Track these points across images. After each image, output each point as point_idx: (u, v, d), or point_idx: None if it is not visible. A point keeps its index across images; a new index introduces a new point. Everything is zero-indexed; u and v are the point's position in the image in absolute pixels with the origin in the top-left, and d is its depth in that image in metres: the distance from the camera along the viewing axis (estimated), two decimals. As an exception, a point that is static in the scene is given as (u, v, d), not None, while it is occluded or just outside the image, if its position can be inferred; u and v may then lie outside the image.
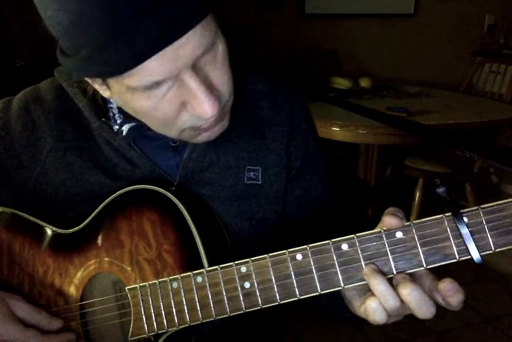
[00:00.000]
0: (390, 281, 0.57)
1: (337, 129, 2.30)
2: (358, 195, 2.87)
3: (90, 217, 0.73)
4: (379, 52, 3.75)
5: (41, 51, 3.08)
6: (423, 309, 0.55)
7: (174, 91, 0.61)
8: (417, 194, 2.71)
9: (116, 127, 0.75)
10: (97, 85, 0.66)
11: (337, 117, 2.40)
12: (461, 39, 3.92)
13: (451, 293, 0.54)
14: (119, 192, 0.71)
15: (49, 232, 0.75)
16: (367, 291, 0.60)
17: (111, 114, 0.76)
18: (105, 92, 0.67)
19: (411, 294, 0.54)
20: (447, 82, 3.73)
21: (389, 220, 0.57)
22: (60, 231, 0.74)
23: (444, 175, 2.69)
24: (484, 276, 2.57)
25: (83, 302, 0.72)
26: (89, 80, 0.67)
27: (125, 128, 0.74)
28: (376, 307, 0.56)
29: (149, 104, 0.62)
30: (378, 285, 0.56)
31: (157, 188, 0.70)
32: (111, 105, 0.76)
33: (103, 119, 0.74)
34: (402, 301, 0.55)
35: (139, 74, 0.57)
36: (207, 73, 0.62)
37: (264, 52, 3.15)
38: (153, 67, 0.56)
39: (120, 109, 0.75)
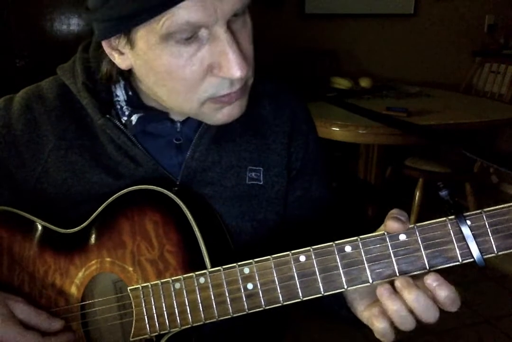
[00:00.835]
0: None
1: (337, 129, 2.30)
2: (358, 195, 2.87)
3: (92, 217, 0.72)
4: (379, 52, 3.75)
5: (41, 51, 3.09)
6: (427, 314, 0.55)
7: (206, 49, 0.61)
8: (417, 194, 2.71)
9: (125, 118, 0.75)
10: (117, 53, 0.66)
11: (337, 117, 2.40)
12: (461, 39, 3.92)
13: (435, 285, 0.54)
14: (121, 191, 0.71)
15: (50, 231, 0.74)
16: (369, 293, 0.60)
17: (118, 107, 0.75)
18: (123, 62, 0.67)
19: (417, 300, 0.55)
20: (447, 82, 3.73)
21: (391, 224, 0.57)
22: (61, 230, 0.74)
23: (444, 175, 2.69)
24: (484, 276, 2.57)
25: (84, 303, 0.72)
26: (108, 49, 0.66)
27: (134, 118, 0.74)
28: (384, 328, 0.56)
29: (178, 63, 0.62)
30: (397, 310, 0.56)
31: (160, 188, 0.70)
32: (118, 99, 0.75)
33: (107, 116, 0.74)
34: (417, 321, 0.56)
35: (176, 15, 0.57)
36: (238, 38, 0.63)
37: (264, 52, 3.15)
38: (192, 7, 0.57)
39: (127, 102, 0.75)
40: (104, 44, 0.67)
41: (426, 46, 3.84)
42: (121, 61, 0.67)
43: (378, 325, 0.57)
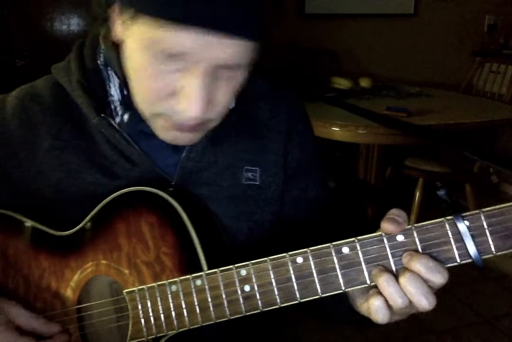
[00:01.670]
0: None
1: (337, 129, 2.30)
2: (358, 195, 2.87)
3: (87, 219, 0.72)
4: (379, 52, 3.75)
5: (41, 51, 3.08)
6: (423, 299, 0.55)
7: (179, 75, 0.61)
8: (417, 194, 2.71)
9: (118, 119, 0.74)
10: (118, 23, 0.64)
11: (337, 117, 2.40)
12: (461, 39, 3.92)
13: (408, 259, 0.55)
14: (116, 193, 0.70)
15: (44, 234, 0.74)
16: (370, 288, 0.60)
17: (112, 107, 0.75)
18: (119, 34, 0.65)
19: (410, 284, 0.55)
20: (447, 82, 3.73)
21: (385, 226, 0.57)
22: (56, 233, 0.73)
23: (444, 174, 2.69)
24: (484, 276, 2.57)
25: (80, 306, 0.71)
26: (114, 13, 0.65)
27: (126, 116, 0.74)
28: (379, 305, 0.56)
29: (148, 71, 0.62)
30: (388, 286, 0.56)
31: (156, 190, 0.69)
32: (112, 98, 0.75)
33: (102, 115, 0.73)
34: (410, 300, 0.55)
35: (176, 35, 0.57)
36: (216, 86, 0.63)
37: (264, 52, 3.15)
38: (194, 38, 0.57)
39: (121, 101, 0.75)
40: (116, 7, 0.65)
41: (426, 46, 3.84)
42: (118, 33, 0.66)
43: (373, 301, 0.56)
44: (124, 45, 0.66)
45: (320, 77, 3.20)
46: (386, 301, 0.56)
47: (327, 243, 0.59)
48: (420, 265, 0.55)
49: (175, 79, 0.62)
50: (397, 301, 0.55)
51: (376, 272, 0.57)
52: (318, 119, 2.28)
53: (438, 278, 0.55)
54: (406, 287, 0.55)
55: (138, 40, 0.62)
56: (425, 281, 0.55)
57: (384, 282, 0.56)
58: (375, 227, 0.60)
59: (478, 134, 2.98)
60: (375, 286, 0.58)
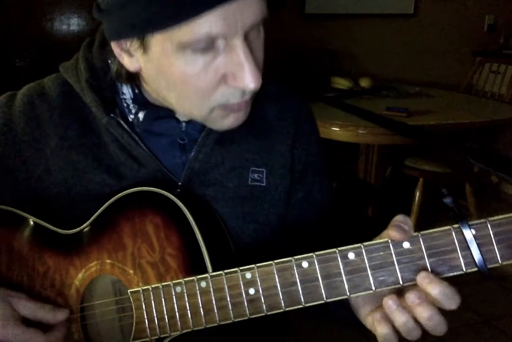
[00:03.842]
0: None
1: (337, 129, 2.30)
2: (358, 195, 2.86)
3: (92, 218, 0.72)
4: (379, 52, 3.74)
5: (41, 51, 3.08)
6: (437, 327, 0.55)
7: (221, 58, 0.61)
8: (417, 194, 2.71)
9: (132, 116, 0.74)
10: (126, 56, 0.65)
11: (337, 117, 2.40)
12: (461, 39, 3.92)
13: (427, 282, 0.55)
14: (122, 192, 0.70)
15: (49, 231, 0.74)
16: (371, 299, 0.60)
17: (125, 105, 0.75)
18: (132, 64, 0.66)
19: (430, 318, 0.54)
20: (447, 82, 3.73)
21: (392, 233, 0.56)
22: (61, 231, 0.73)
23: (444, 174, 2.68)
24: (484, 276, 2.56)
25: (84, 304, 0.71)
26: (117, 49, 0.65)
27: (141, 115, 0.73)
28: (388, 333, 0.56)
29: (193, 71, 0.61)
30: (401, 320, 0.55)
31: (162, 191, 0.69)
32: (124, 96, 0.75)
33: (111, 115, 0.73)
34: (422, 329, 0.55)
35: (197, 26, 0.57)
36: (252, 48, 0.63)
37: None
38: (214, 19, 0.57)
39: (133, 99, 0.74)
40: (113, 44, 0.66)
41: (426, 46, 3.84)
42: (130, 64, 0.67)
43: (381, 331, 0.56)
44: (145, 69, 0.66)
45: (320, 77, 3.19)
46: (393, 326, 0.56)
47: (331, 245, 0.59)
48: (439, 292, 0.54)
49: (220, 64, 0.62)
50: (410, 330, 0.55)
51: (390, 302, 0.56)
52: (318, 119, 2.25)
53: (453, 304, 0.55)
54: (419, 314, 0.55)
55: (163, 57, 0.62)
56: (436, 304, 0.55)
57: (399, 317, 0.55)
58: (375, 228, 0.60)
59: (478, 134, 2.98)
60: (378, 293, 0.58)
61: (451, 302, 0.55)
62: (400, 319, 0.55)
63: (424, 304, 0.55)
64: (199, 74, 0.62)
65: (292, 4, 3.51)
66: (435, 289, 0.54)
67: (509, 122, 2.55)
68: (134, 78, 0.72)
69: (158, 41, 0.60)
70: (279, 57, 3.32)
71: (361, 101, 2.79)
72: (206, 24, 0.57)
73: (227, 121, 0.69)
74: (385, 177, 2.97)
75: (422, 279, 0.55)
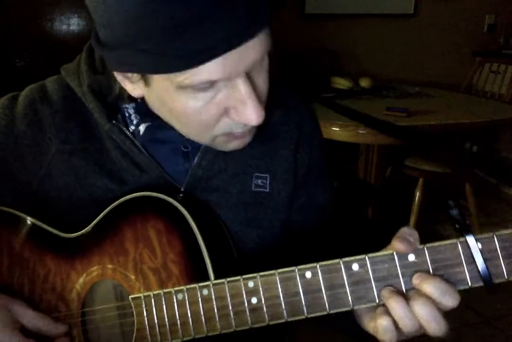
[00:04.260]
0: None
1: (337, 129, 2.30)
2: (358, 195, 2.86)
3: (94, 222, 0.71)
4: (379, 52, 3.74)
5: (41, 51, 3.08)
6: (433, 324, 0.54)
7: (223, 94, 0.60)
8: (417, 194, 2.71)
9: (132, 127, 0.73)
10: (129, 83, 0.64)
11: (337, 117, 2.40)
12: (461, 39, 3.92)
13: (420, 280, 0.54)
14: (124, 197, 0.70)
15: (51, 235, 0.73)
16: (375, 308, 0.59)
17: (127, 114, 0.73)
18: (135, 91, 0.65)
19: (421, 308, 0.54)
20: (447, 82, 3.73)
21: (397, 245, 0.56)
22: (62, 234, 0.73)
23: (444, 175, 2.68)
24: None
25: (85, 309, 0.71)
26: (119, 76, 0.64)
27: (142, 128, 0.73)
28: (387, 325, 0.55)
29: (195, 106, 0.61)
30: (398, 309, 0.55)
31: (165, 196, 0.68)
32: (126, 106, 0.73)
33: (114, 121, 0.72)
34: (419, 323, 0.55)
35: (197, 72, 0.56)
36: (255, 80, 0.62)
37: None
38: (215, 66, 0.56)
39: (136, 110, 0.73)
40: (115, 72, 0.64)
41: (426, 46, 3.84)
42: (133, 90, 0.66)
43: (381, 322, 0.56)
44: (147, 97, 0.66)
45: (320, 77, 3.19)
46: (394, 321, 0.55)
47: (333, 249, 0.59)
48: (432, 288, 0.54)
49: (222, 100, 0.61)
50: (407, 324, 0.55)
51: (386, 293, 0.56)
52: (318, 119, 2.27)
53: (450, 301, 0.54)
54: (417, 310, 0.54)
55: (165, 93, 0.61)
56: (436, 303, 0.54)
57: (394, 304, 0.55)
58: (374, 227, 0.60)
59: (478, 134, 2.98)
60: (383, 304, 0.57)
61: (450, 299, 0.54)
62: (399, 310, 0.55)
63: (421, 300, 0.54)
64: (201, 109, 0.61)
65: (292, 4, 3.51)
66: (429, 284, 0.54)
67: (509, 122, 2.55)
68: (137, 99, 0.71)
69: (159, 80, 0.60)
70: (279, 57, 3.32)
71: (361, 101, 2.79)
72: (206, 71, 0.56)
73: (232, 145, 0.69)
74: (385, 177, 2.97)
75: (416, 279, 0.55)
